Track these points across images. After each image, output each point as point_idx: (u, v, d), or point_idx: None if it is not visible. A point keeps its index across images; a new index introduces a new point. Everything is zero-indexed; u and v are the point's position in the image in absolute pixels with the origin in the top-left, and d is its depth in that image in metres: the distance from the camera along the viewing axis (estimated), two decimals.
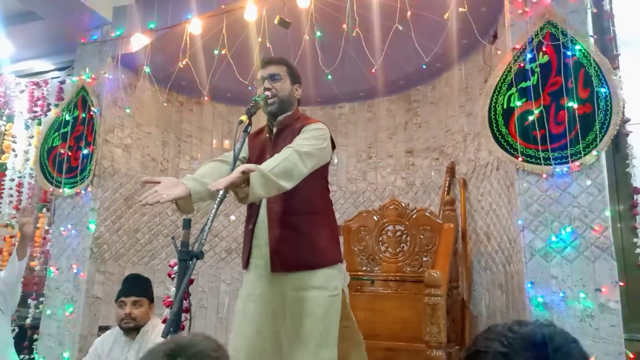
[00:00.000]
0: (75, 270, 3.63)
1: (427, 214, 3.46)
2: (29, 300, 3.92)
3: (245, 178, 1.73)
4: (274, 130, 2.20)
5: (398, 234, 3.51)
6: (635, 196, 2.69)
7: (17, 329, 3.74)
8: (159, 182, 1.82)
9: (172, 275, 2.42)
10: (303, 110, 2.39)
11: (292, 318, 2.02)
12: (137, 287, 2.78)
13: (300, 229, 2.08)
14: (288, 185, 1.86)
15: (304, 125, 2.10)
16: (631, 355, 2.41)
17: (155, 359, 0.96)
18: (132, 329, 2.70)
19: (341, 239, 3.52)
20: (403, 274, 3.41)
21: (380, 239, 3.54)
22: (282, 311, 2.05)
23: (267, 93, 2.12)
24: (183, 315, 1.94)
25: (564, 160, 2.62)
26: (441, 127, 4.11)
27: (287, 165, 1.85)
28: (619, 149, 2.89)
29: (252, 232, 2.14)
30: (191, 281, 1.72)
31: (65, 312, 3.57)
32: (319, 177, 2.15)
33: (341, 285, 2.15)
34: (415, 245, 3.43)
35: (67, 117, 3.91)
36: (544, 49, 2.77)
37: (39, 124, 4.45)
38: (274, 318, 2.05)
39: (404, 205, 3.54)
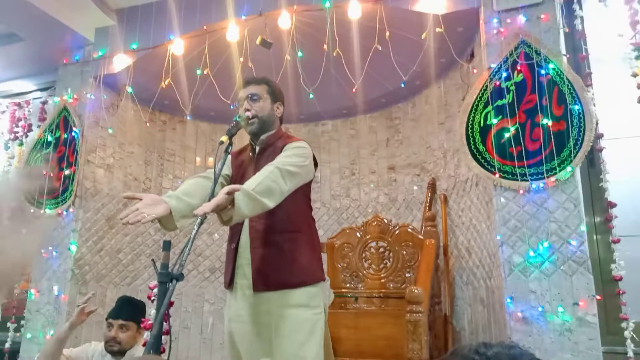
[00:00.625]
0: (56, 293, 3.58)
1: (409, 230, 3.49)
2: (8, 324, 3.85)
3: (231, 199, 1.73)
4: (257, 149, 2.22)
5: (381, 250, 3.53)
6: (609, 210, 2.75)
7: None
8: (140, 199, 1.80)
9: (152, 298, 2.41)
10: (286, 128, 2.43)
11: (275, 337, 2.03)
12: (126, 310, 2.73)
13: (282, 248, 2.09)
14: (271, 203, 1.86)
15: (286, 144, 2.11)
16: None
17: None
18: (115, 353, 2.67)
19: (325, 256, 3.53)
20: (386, 290, 3.42)
21: (364, 255, 3.56)
22: (267, 330, 2.05)
23: (248, 114, 2.15)
24: (163, 337, 1.94)
25: (539, 176, 2.68)
26: (422, 143, 4.17)
27: (268, 184, 1.86)
28: (593, 164, 2.96)
29: (235, 251, 2.14)
30: (171, 303, 1.73)
31: (46, 335, 3.51)
32: (302, 195, 2.16)
33: (323, 304, 2.16)
34: (398, 262, 3.45)
35: (49, 138, 3.89)
36: (518, 67, 2.84)
37: (21, 144, 4.42)
38: (259, 338, 2.05)
39: (386, 221, 3.57)
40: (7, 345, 3.82)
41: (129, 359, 2.56)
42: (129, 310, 2.74)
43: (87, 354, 2.74)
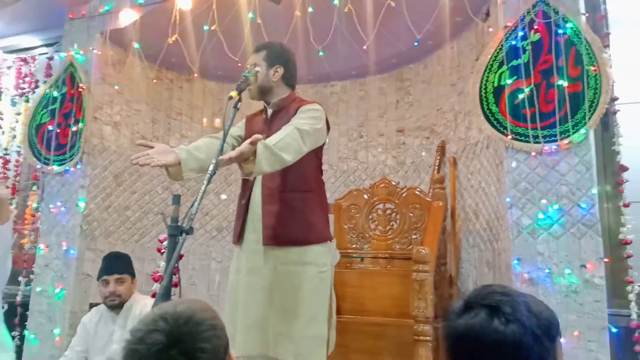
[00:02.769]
0: (65, 248, 3.62)
1: (416, 192, 3.48)
2: (20, 278, 3.92)
3: (254, 149, 1.75)
4: (270, 111, 2.25)
5: (388, 212, 3.53)
6: (621, 173, 2.72)
7: (6, 306, 3.74)
8: (152, 147, 1.89)
9: (162, 251, 2.44)
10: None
11: (282, 292, 2.05)
12: (118, 264, 2.82)
13: (293, 206, 2.12)
14: (290, 159, 1.89)
15: (299, 107, 2.14)
16: (613, 330, 2.46)
17: (150, 326, 0.96)
18: (117, 306, 2.76)
19: (331, 217, 3.54)
20: (392, 251, 3.44)
21: (370, 217, 3.56)
22: (272, 285, 2.08)
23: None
24: (172, 289, 1.96)
25: (552, 138, 2.64)
26: (432, 105, 4.11)
27: (289, 141, 1.90)
28: (607, 128, 2.92)
29: (245, 207, 2.18)
30: (180, 256, 1.73)
31: (55, 289, 3.57)
32: (314, 158, 2.19)
33: (330, 263, 2.18)
34: (405, 224, 3.45)
35: (55, 94, 3.86)
36: (535, 27, 2.76)
37: (27, 100, 4.39)
38: (264, 291, 2.08)
39: (394, 183, 3.55)
40: (18, 298, 3.89)
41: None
42: (120, 264, 2.84)
43: (86, 328, 2.82)
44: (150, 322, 0.96)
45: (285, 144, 1.87)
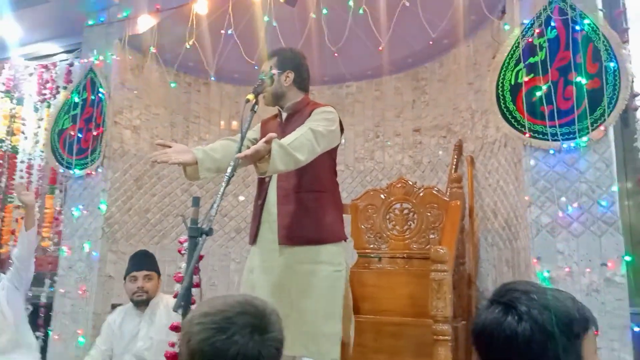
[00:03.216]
0: (87, 250, 3.69)
1: (434, 191, 3.47)
2: (45, 280, 4.00)
3: (269, 149, 1.79)
4: (284, 115, 2.31)
5: (405, 212, 3.53)
6: None
7: (31, 308, 3.83)
8: (170, 147, 1.96)
9: (182, 252, 2.47)
10: (310, 90, 2.46)
11: (297, 291, 2.08)
12: (146, 262, 2.93)
13: (308, 206, 2.16)
14: (304, 159, 1.93)
15: (313, 109, 2.19)
16: (636, 329, 2.43)
17: (237, 309, 1.06)
18: (144, 302, 2.84)
19: (349, 217, 3.55)
20: (410, 251, 3.43)
21: (388, 217, 3.56)
22: (286, 283, 2.11)
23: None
24: (194, 290, 2.00)
25: (571, 135, 2.61)
26: (449, 104, 4.09)
27: (303, 141, 1.93)
28: (627, 124, 2.87)
29: (261, 207, 2.21)
30: (201, 257, 1.76)
31: (78, 290, 3.64)
32: (328, 159, 2.24)
33: (345, 262, 2.20)
34: (422, 223, 3.44)
35: (77, 99, 3.94)
36: (552, 23, 2.74)
37: (48, 106, 4.49)
38: (278, 289, 2.11)
39: (411, 183, 3.55)
40: (43, 299, 3.97)
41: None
42: (148, 261, 2.94)
43: (111, 327, 2.88)
44: (236, 306, 1.07)
45: (299, 144, 1.90)
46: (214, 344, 1.00)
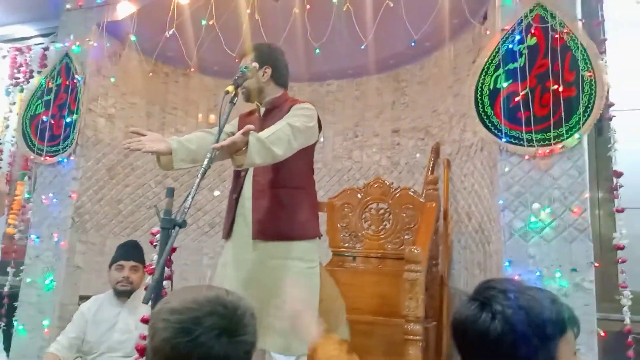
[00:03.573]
0: (56, 239, 3.60)
1: (410, 193, 3.49)
2: (8, 268, 3.89)
3: (246, 140, 1.78)
4: (262, 110, 2.29)
5: (381, 212, 3.54)
6: (615, 179, 2.73)
7: None
8: (144, 135, 1.94)
9: (155, 243, 2.43)
10: (291, 86, 2.44)
11: (269, 286, 2.07)
12: (135, 253, 2.86)
13: (283, 202, 2.16)
14: (281, 154, 1.92)
15: (292, 105, 2.18)
16: (602, 334, 2.48)
17: (206, 308, 1.00)
18: (127, 292, 2.77)
19: (324, 215, 3.55)
20: (384, 251, 3.45)
21: (364, 216, 3.57)
22: (259, 278, 2.10)
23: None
24: (166, 282, 1.96)
25: (546, 142, 2.65)
26: (428, 107, 4.12)
27: (281, 135, 1.93)
28: (601, 133, 2.93)
29: (236, 201, 2.20)
30: (174, 249, 1.73)
31: (45, 280, 3.55)
32: (305, 156, 2.22)
33: (318, 259, 2.20)
34: (398, 224, 3.46)
35: (50, 85, 3.83)
36: (532, 31, 2.78)
37: (21, 90, 4.37)
38: (251, 284, 2.10)
39: (387, 184, 3.57)
40: (6, 289, 3.86)
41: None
42: (137, 252, 2.87)
43: (84, 316, 2.77)
44: (206, 304, 1.00)
45: (276, 138, 1.90)
46: (176, 345, 0.96)
